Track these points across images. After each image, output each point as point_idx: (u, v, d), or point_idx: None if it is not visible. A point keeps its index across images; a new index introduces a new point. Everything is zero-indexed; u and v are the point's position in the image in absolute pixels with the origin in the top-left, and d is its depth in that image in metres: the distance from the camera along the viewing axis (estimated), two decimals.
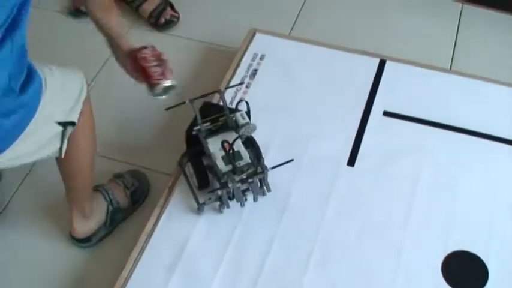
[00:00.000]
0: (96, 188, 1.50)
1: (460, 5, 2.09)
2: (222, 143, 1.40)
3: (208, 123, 1.43)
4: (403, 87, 1.71)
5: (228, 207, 1.41)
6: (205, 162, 1.43)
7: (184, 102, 1.42)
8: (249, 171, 1.39)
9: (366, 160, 1.54)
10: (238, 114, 1.41)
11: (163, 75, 1.24)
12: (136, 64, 1.23)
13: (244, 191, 1.41)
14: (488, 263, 1.35)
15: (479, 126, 1.62)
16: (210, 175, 1.43)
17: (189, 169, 1.46)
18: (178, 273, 1.33)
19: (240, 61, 1.75)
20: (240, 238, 1.39)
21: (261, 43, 1.82)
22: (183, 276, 1.33)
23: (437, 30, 2.02)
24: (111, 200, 1.50)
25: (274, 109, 1.64)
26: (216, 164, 1.38)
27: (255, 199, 1.42)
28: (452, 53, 1.94)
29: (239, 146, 1.41)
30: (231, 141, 1.38)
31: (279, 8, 2.10)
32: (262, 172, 1.39)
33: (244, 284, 1.32)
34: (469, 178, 1.51)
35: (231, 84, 1.68)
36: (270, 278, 1.33)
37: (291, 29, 2.03)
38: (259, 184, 1.42)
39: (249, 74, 1.73)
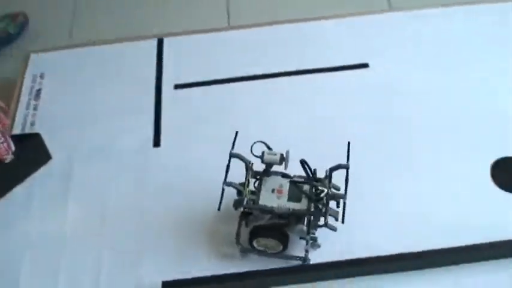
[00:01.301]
0: None
1: None
2: (273, 191, 1.24)
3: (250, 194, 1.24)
4: (187, 58, 1.75)
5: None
6: (261, 222, 1.27)
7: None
8: (322, 190, 1.24)
9: (170, 137, 1.56)
10: (266, 154, 1.24)
11: (7, 151, 1.34)
12: None
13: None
14: None
15: (269, 69, 1.70)
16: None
17: (259, 242, 1.29)
18: None
19: (20, 88, 1.70)
20: (69, 255, 1.37)
21: (38, 63, 1.77)
22: None
23: None
24: None
25: (71, 123, 1.62)
26: (290, 209, 1.21)
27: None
28: (227, 10, 2.00)
29: (287, 181, 1.26)
30: (276, 186, 1.25)
31: (51, 21, 2.05)
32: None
33: None
34: (280, 119, 1.59)
35: (18, 113, 1.64)
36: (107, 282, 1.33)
37: (69, 38, 1.99)
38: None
39: (33, 97, 1.68)
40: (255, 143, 1.23)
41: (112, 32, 1.92)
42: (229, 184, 1.23)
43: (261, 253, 1.31)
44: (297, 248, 1.31)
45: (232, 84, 1.68)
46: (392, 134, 1.52)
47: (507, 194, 1.41)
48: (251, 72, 1.69)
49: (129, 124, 1.59)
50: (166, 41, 1.78)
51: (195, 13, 1.99)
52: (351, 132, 1.51)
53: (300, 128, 1.55)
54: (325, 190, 1.24)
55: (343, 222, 1.20)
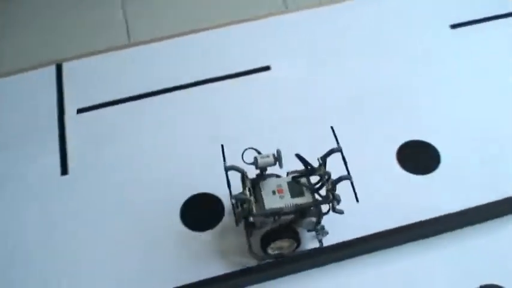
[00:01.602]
0: None
1: None
2: (273, 193, 1.23)
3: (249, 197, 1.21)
4: (88, 80, 1.72)
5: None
6: (267, 228, 1.26)
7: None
8: (324, 176, 1.23)
9: (78, 163, 1.53)
10: (259, 158, 1.23)
11: None
12: None
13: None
14: None
15: (174, 82, 1.70)
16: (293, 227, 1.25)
17: (273, 247, 1.28)
18: None
19: None
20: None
21: None
22: None
23: (104, 14, 2.03)
24: None
25: None
26: (296, 204, 1.21)
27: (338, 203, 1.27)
28: (126, 28, 1.97)
29: (283, 180, 1.25)
30: (274, 187, 1.23)
31: None
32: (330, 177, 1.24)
33: None
34: (188, 130, 1.60)
35: None
36: None
37: None
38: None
39: None
40: (246, 149, 1.26)
41: (8, 62, 1.85)
42: (237, 197, 1.22)
43: (277, 256, 1.32)
44: (305, 241, 1.34)
45: (135, 102, 1.66)
46: (303, 130, 1.55)
47: (412, 175, 1.47)
48: (155, 88, 1.68)
49: (34, 154, 1.54)
50: (65, 65, 1.74)
51: (93, 34, 1.94)
52: (257, 136, 1.54)
53: (208, 135, 1.56)
54: (325, 177, 1.26)
55: (357, 201, 1.21)
